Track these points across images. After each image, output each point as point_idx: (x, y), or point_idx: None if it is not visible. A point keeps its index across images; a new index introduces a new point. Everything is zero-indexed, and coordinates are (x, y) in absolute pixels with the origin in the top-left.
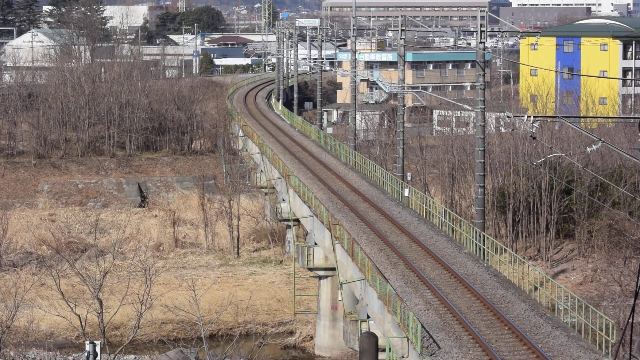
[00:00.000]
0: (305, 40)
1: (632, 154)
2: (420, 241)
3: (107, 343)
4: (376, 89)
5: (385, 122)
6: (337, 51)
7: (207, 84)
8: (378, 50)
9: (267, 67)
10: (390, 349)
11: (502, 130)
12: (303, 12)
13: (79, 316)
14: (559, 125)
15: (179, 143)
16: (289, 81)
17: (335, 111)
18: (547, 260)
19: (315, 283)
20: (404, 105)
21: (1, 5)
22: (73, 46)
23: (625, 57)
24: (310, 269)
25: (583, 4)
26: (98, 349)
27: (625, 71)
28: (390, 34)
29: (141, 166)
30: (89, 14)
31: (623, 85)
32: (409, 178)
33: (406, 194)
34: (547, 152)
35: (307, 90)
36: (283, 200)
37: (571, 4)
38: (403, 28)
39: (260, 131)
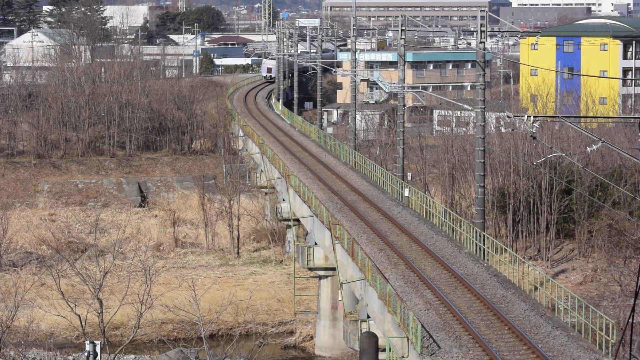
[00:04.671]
0: (305, 40)
1: (632, 154)
2: (421, 241)
3: (107, 343)
4: (376, 88)
5: (385, 122)
6: (337, 51)
7: (207, 83)
8: (378, 50)
9: None
10: (390, 348)
11: (502, 130)
12: (303, 12)
13: (79, 316)
14: (559, 125)
15: (179, 143)
16: (289, 81)
17: (335, 111)
18: (547, 260)
19: (315, 283)
20: (404, 105)
21: (1, 5)
22: (73, 46)
23: (625, 57)
24: (310, 269)
25: (583, 4)
26: (98, 349)
27: (625, 71)
28: (390, 34)
29: (141, 166)
30: (89, 13)
31: (623, 85)
32: (409, 178)
33: (406, 193)
34: (547, 152)
35: (308, 90)
36: (283, 200)
37: (571, 4)
38: (403, 28)
39: (260, 131)
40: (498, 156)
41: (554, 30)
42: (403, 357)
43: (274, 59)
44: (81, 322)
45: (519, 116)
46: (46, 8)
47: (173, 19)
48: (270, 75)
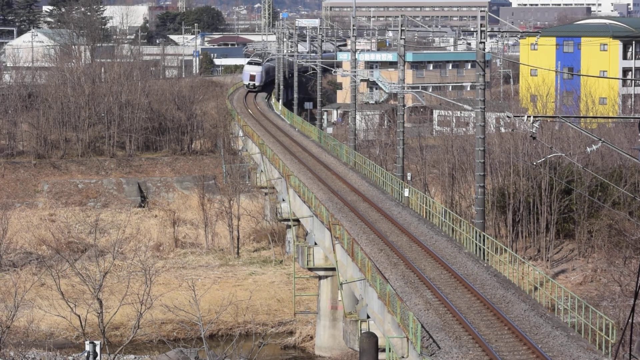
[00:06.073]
0: (305, 40)
1: (632, 154)
2: (420, 241)
3: (107, 343)
4: (376, 89)
5: (385, 122)
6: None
7: (207, 84)
8: (378, 50)
9: None
10: (390, 349)
11: (502, 130)
12: (303, 12)
13: (79, 316)
14: (559, 125)
15: (179, 143)
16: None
17: (335, 111)
18: (547, 260)
19: (315, 283)
20: (404, 105)
21: (1, 5)
22: (73, 46)
23: (625, 57)
24: (310, 269)
25: (583, 4)
26: (98, 349)
27: (625, 71)
28: (390, 34)
29: (141, 166)
30: (89, 14)
31: (623, 85)
32: (409, 178)
33: (406, 194)
34: (547, 152)
35: (308, 90)
36: (283, 200)
37: (571, 4)
38: (403, 28)
39: (260, 131)
40: (498, 156)
41: (554, 30)
42: (403, 357)
43: (259, 64)
44: (81, 322)
45: (519, 116)
46: (46, 8)
47: (173, 19)
48: (254, 84)
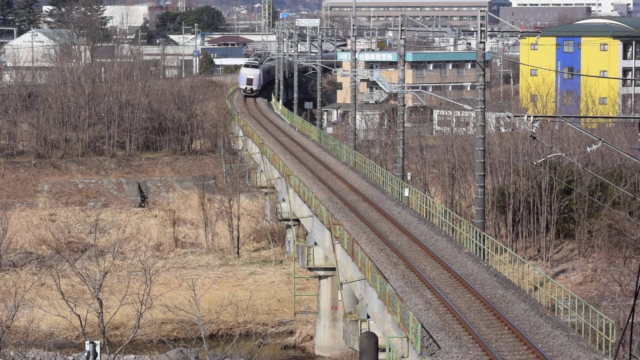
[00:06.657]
0: (305, 40)
1: (632, 154)
2: (420, 241)
3: (107, 343)
4: (376, 88)
5: (385, 122)
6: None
7: (207, 83)
8: (378, 50)
9: None
10: (390, 348)
11: (502, 130)
12: (303, 12)
13: (79, 316)
14: (559, 125)
15: (179, 143)
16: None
17: (335, 111)
18: (547, 260)
19: (315, 283)
20: (404, 105)
21: (1, 5)
22: (73, 46)
23: (625, 57)
24: (310, 269)
25: (583, 4)
26: (98, 349)
27: (625, 71)
28: (390, 34)
29: (141, 166)
30: (89, 14)
31: (623, 85)
32: (409, 178)
33: (406, 193)
34: (547, 152)
35: (308, 90)
36: (283, 200)
37: (571, 4)
38: (403, 28)
39: (260, 131)
40: (498, 156)
41: (554, 30)
42: (403, 357)
43: (257, 66)
44: (81, 322)
45: (519, 116)
46: (46, 8)
47: (173, 19)
48: (252, 88)
